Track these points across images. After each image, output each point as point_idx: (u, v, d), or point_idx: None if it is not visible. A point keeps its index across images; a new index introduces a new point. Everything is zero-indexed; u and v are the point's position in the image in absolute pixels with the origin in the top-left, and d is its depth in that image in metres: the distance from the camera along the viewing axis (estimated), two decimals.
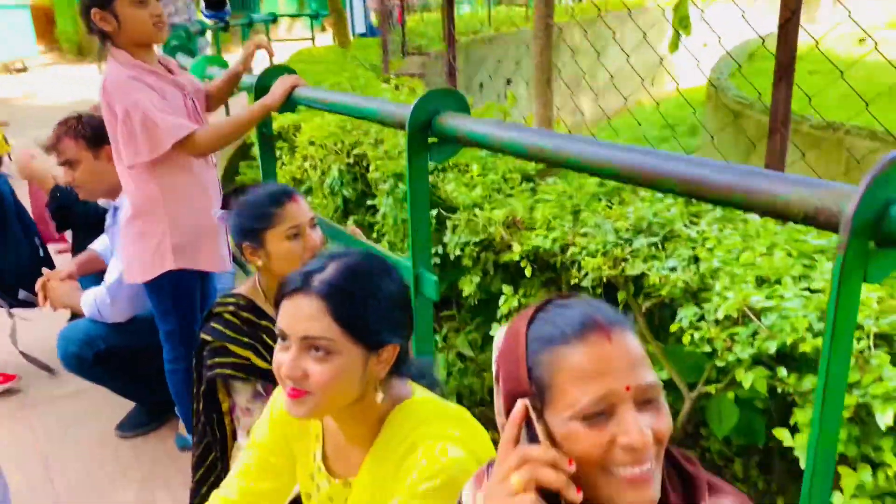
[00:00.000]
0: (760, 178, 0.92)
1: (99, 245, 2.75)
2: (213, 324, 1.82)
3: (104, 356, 2.43)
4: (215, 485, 1.87)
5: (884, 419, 1.28)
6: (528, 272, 2.05)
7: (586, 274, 1.86)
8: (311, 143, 3.40)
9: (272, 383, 1.79)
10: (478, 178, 2.41)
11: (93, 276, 2.69)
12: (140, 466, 2.50)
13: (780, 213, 0.90)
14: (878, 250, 0.83)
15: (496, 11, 13.56)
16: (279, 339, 1.14)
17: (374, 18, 12.10)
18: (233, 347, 1.77)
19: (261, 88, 2.21)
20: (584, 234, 1.94)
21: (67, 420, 2.78)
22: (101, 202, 2.99)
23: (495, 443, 1.01)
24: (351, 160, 3.13)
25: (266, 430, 1.35)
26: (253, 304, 1.84)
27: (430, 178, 2.51)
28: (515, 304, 2.15)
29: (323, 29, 14.48)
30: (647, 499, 0.81)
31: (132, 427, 2.67)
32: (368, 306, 1.12)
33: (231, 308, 1.82)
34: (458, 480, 1.08)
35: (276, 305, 1.15)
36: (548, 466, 0.79)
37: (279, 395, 1.36)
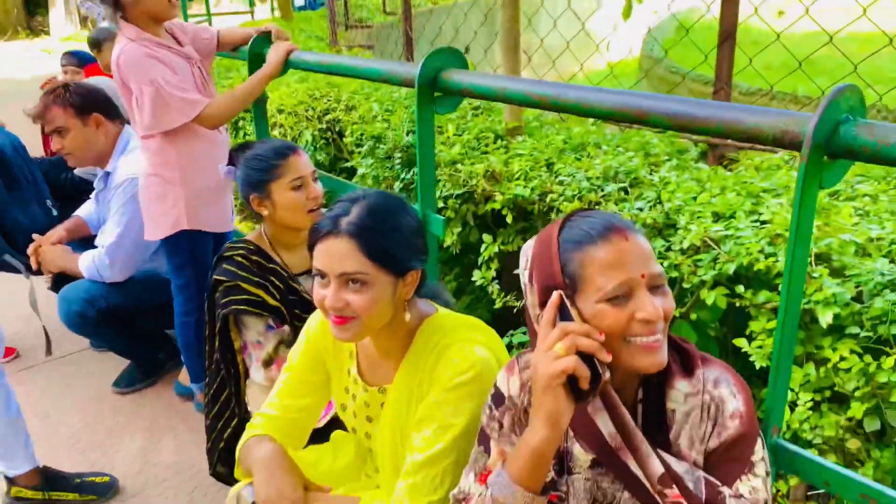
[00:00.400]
0: (737, 111, 1.14)
1: (83, 211, 2.82)
2: (225, 265, 1.96)
3: (106, 314, 2.52)
4: (231, 419, 2.04)
5: (825, 319, 1.54)
6: (509, 219, 2.25)
7: None
8: (280, 111, 3.51)
9: (280, 319, 1.96)
10: (455, 138, 2.59)
11: (78, 240, 2.77)
12: (142, 417, 2.62)
13: (754, 138, 1.12)
14: (830, 162, 1.06)
15: None
16: (317, 278, 1.30)
17: None
18: (245, 286, 1.92)
19: (254, 55, 2.32)
20: (560, 183, 2.16)
21: (64, 381, 2.86)
22: (82, 171, 3.06)
23: None
24: (323, 125, 3.26)
25: (302, 351, 1.52)
26: (260, 249, 1.98)
27: (411, 139, 2.69)
28: (496, 250, 2.36)
29: (252, 4, 14.26)
30: (658, 362, 1.02)
31: (129, 383, 2.78)
32: (392, 239, 1.29)
33: (241, 252, 1.97)
34: (485, 375, 1.29)
35: (311, 249, 1.31)
36: (583, 336, 1.00)
37: (313, 322, 1.53)
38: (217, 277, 1.95)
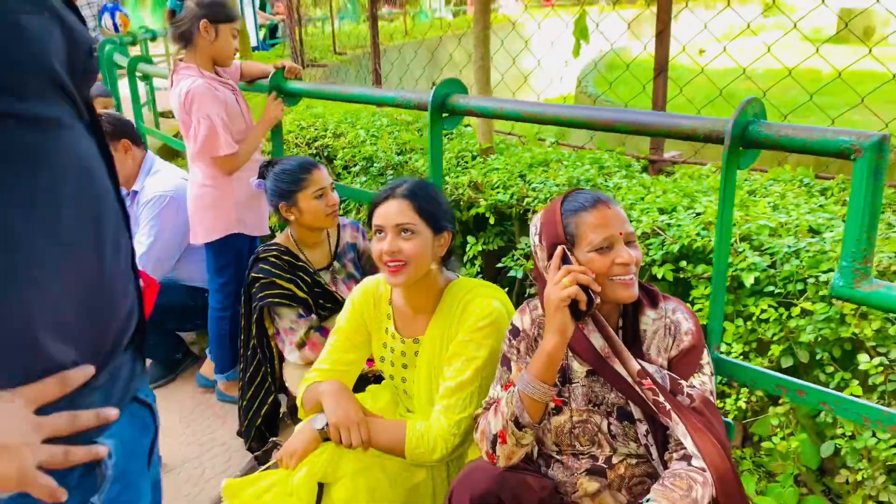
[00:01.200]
0: (679, 118, 1.60)
1: None
2: (261, 265, 2.33)
3: None
4: (266, 396, 2.39)
5: (748, 282, 2.01)
6: (491, 221, 2.69)
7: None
8: (268, 140, 3.89)
9: (307, 309, 2.33)
10: (446, 156, 3.02)
11: None
12: (169, 409, 2.90)
13: (691, 136, 1.58)
14: (744, 150, 1.52)
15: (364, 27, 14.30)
16: (376, 234, 1.71)
17: (261, 33, 12.44)
18: (279, 281, 2.30)
19: (274, 87, 2.72)
20: (533, 189, 2.61)
21: None
22: None
23: None
24: (312, 150, 3.65)
25: (348, 317, 1.90)
26: (289, 250, 2.37)
27: (403, 157, 3.11)
28: (479, 249, 2.79)
29: None
30: (632, 294, 1.45)
31: (152, 381, 3.07)
32: (433, 203, 1.72)
33: (274, 252, 2.35)
34: (499, 320, 1.71)
35: (371, 211, 1.73)
36: (581, 273, 1.42)
37: (357, 293, 1.92)
38: (254, 275, 2.32)
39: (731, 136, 1.48)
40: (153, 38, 7.58)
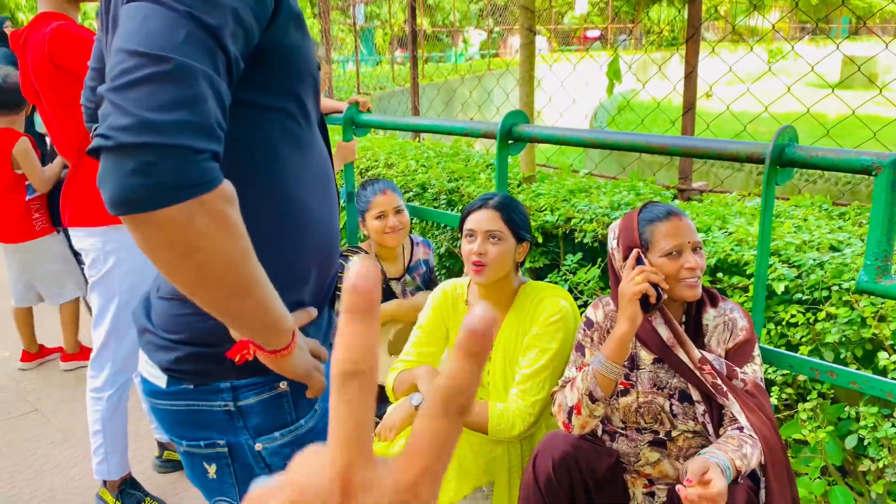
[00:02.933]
0: (724, 143, 1.89)
1: None
2: (341, 261, 2.63)
3: None
4: None
5: (779, 290, 2.28)
6: (539, 240, 2.97)
7: (584, 235, 2.80)
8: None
9: None
10: (489, 182, 3.32)
11: None
12: None
13: (735, 157, 1.87)
14: (781, 169, 1.81)
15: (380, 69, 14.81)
16: (466, 237, 1.99)
17: None
18: None
19: (348, 120, 3.04)
20: (579, 211, 2.89)
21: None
22: None
23: None
24: (364, 178, 3.95)
25: (429, 315, 2.17)
26: (367, 255, 2.67)
27: (454, 185, 3.41)
28: (527, 265, 3.06)
29: None
30: (696, 294, 1.71)
31: None
32: (517, 215, 2.01)
33: (356, 252, 2.66)
34: (567, 317, 1.98)
35: (464, 217, 2.01)
36: (652, 273, 1.69)
37: (437, 293, 2.19)
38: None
39: (770, 157, 1.77)
40: None
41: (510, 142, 2.39)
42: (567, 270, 2.87)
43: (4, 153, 3.43)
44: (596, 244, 2.81)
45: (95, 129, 0.78)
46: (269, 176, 1.03)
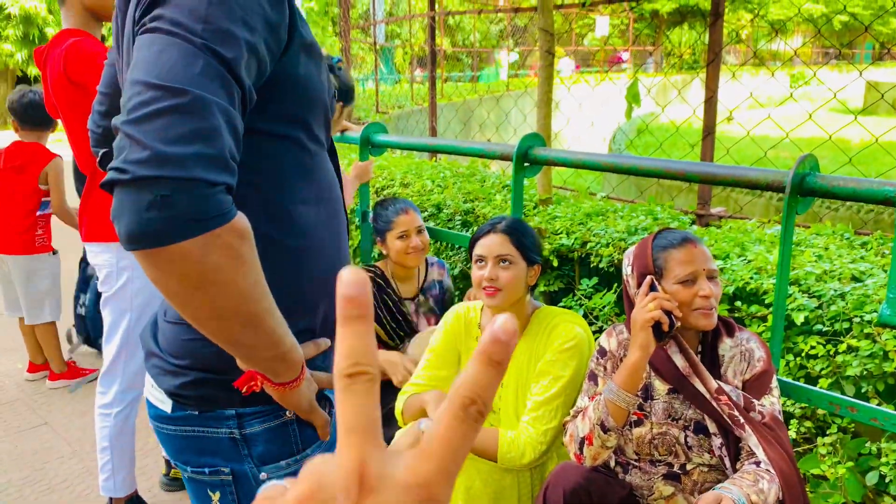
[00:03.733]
0: (744, 170, 1.86)
1: None
2: None
3: None
4: None
5: (799, 320, 2.23)
6: (554, 263, 2.94)
7: (601, 259, 2.77)
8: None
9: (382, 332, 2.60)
10: (504, 204, 3.30)
11: None
12: None
13: (754, 185, 1.83)
14: (800, 198, 1.78)
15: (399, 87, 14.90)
16: (476, 262, 1.97)
17: None
18: None
19: (364, 140, 3.04)
20: (595, 235, 2.86)
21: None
22: None
23: None
24: (380, 197, 3.95)
25: (441, 338, 2.15)
26: (382, 274, 2.67)
27: (469, 206, 3.39)
28: (541, 289, 3.03)
29: None
30: (710, 323, 1.68)
31: None
32: (528, 238, 1.99)
33: (370, 274, 2.63)
34: (581, 343, 1.94)
35: (473, 243, 1.99)
36: (665, 300, 1.66)
37: (450, 316, 2.16)
38: None
39: (790, 186, 1.74)
40: None
41: (526, 164, 2.37)
42: (582, 295, 2.84)
43: (31, 167, 3.53)
44: (612, 269, 2.77)
45: (109, 163, 0.78)
46: (278, 204, 1.02)
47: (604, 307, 2.74)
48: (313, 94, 1.04)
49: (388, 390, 2.53)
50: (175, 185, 0.75)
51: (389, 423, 2.26)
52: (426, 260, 2.78)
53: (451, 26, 24.39)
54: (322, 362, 1.14)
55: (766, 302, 2.36)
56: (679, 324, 1.66)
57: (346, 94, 2.92)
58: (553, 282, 3.05)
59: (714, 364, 1.74)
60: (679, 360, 1.71)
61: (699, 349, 1.75)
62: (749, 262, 2.54)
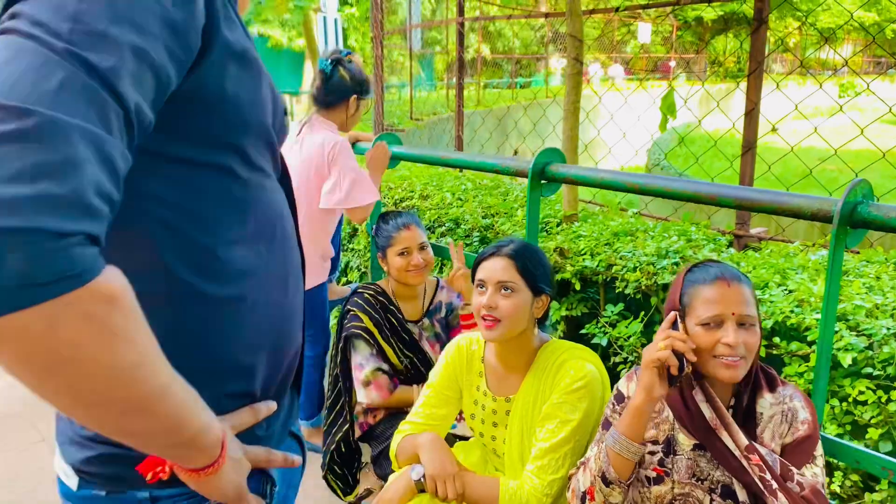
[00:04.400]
0: (786, 196, 1.63)
1: None
2: (356, 298, 2.49)
3: None
4: (343, 425, 2.46)
5: (846, 361, 1.98)
6: (577, 286, 2.72)
7: (626, 284, 2.54)
8: None
9: (382, 354, 2.41)
10: (525, 220, 3.09)
11: None
12: None
13: (797, 214, 1.60)
14: (851, 230, 1.54)
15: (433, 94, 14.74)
16: (477, 288, 1.78)
17: None
18: (365, 318, 2.40)
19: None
20: (622, 258, 2.64)
21: None
22: None
23: None
24: (398, 209, 3.77)
25: (441, 373, 1.95)
26: (385, 293, 2.51)
27: (489, 221, 3.19)
28: (562, 314, 2.81)
29: None
30: (733, 376, 1.44)
31: None
32: (535, 265, 1.78)
33: (371, 291, 2.50)
34: (593, 384, 1.73)
35: (476, 266, 1.80)
36: (680, 341, 1.44)
37: (451, 349, 1.97)
38: (348, 307, 2.46)
39: (839, 216, 1.50)
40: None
41: (543, 182, 2.16)
42: (606, 322, 2.62)
43: None
44: (639, 295, 2.55)
45: None
46: (201, 247, 0.84)
47: (629, 337, 2.52)
48: (247, 113, 0.86)
49: (394, 420, 2.34)
50: (6, 239, 0.56)
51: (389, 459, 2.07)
52: (437, 281, 2.59)
53: (491, 32, 24.20)
54: (264, 431, 0.96)
55: (809, 339, 2.12)
56: (689, 370, 1.44)
57: (360, 86, 2.79)
58: (576, 305, 2.83)
59: (749, 422, 1.50)
60: (707, 411, 1.49)
61: (732, 403, 1.52)
62: (790, 292, 2.29)
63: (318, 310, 2.87)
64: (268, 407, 0.94)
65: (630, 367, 2.53)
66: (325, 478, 2.49)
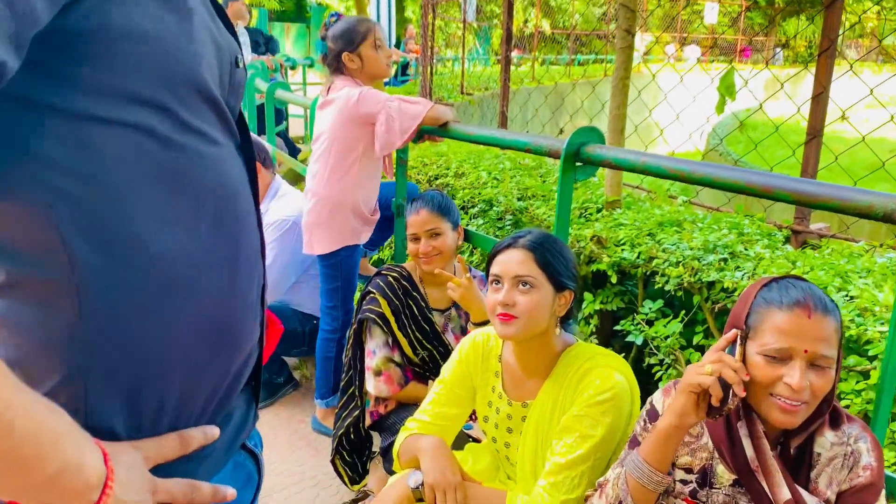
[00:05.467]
0: (852, 192, 1.40)
1: None
2: (378, 279, 2.34)
3: None
4: (353, 409, 2.34)
5: None
6: (613, 279, 2.51)
7: (668, 279, 2.33)
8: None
9: (396, 344, 2.27)
10: None
11: None
12: (262, 435, 2.85)
13: (865, 214, 1.37)
14: None
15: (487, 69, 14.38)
16: (492, 283, 1.60)
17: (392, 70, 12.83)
18: (383, 302, 2.25)
19: None
20: (664, 250, 2.42)
21: None
22: None
23: None
24: (433, 188, 3.60)
25: (454, 369, 1.79)
26: (410, 277, 2.35)
27: (523, 204, 3.00)
28: (596, 307, 2.61)
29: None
30: (792, 423, 1.22)
31: None
32: (557, 258, 1.59)
33: (395, 275, 2.35)
34: (620, 396, 1.54)
35: (491, 259, 1.62)
36: (731, 369, 1.23)
37: (466, 344, 1.80)
38: (369, 288, 2.33)
39: None
40: (293, 67, 8.11)
41: (578, 164, 1.96)
42: (643, 319, 2.41)
43: None
44: (680, 293, 2.33)
45: None
46: (113, 224, 0.68)
47: (667, 337, 2.31)
48: (173, 62, 0.69)
49: (405, 412, 2.19)
50: None
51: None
52: (470, 269, 2.42)
53: (552, 7, 23.60)
54: (201, 450, 0.79)
55: (871, 353, 1.88)
56: (733, 404, 1.22)
57: (345, 42, 2.60)
58: (612, 299, 2.63)
59: (802, 463, 1.28)
60: (748, 449, 1.28)
61: (781, 438, 1.31)
62: (851, 298, 2.05)
63: (342, 277, 2.70)
64: (204, 434, 0.78)
65: (665, 371, 2.33)
66: (332, 461, 2.37)
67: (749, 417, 1.29)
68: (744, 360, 1.26)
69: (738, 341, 1.27)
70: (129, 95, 0.67)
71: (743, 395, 1.22)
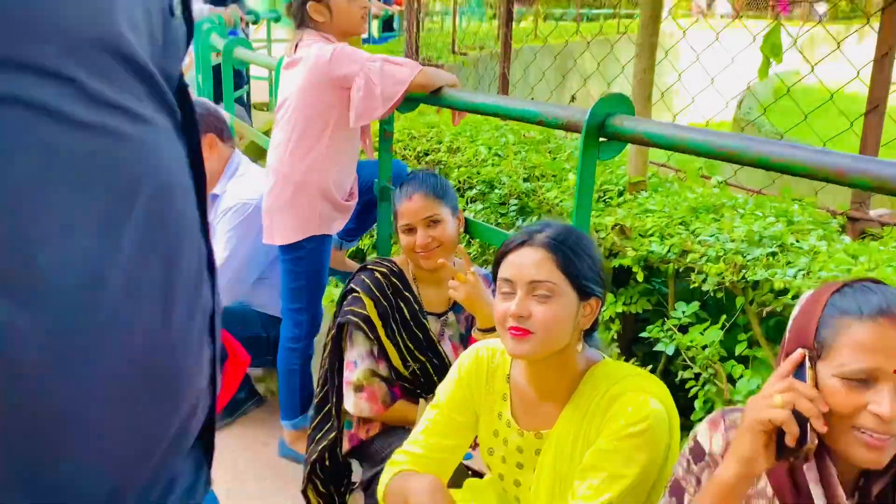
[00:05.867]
0: None
1: None
2: (363, 275, 2.22)
3: None
4: (329, 431, 2.23)
5: None
6: (639, 277, 2.41)
7: (705, 278, 2.22)
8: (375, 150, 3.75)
9: (383, 353, 2.17)
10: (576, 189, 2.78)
11: None
12: (222, 462, 2.72)
13: None
14: None
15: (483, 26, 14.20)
16: (500, 291, 1.49)
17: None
18: (369, 303, 2.13)
19: None
20: (701, 243, 2.31)
21: None
22: None
23: None
24: (422, 165, 3.48)
25: (452, 390, 1.68)
26: (401, 273, 2.25)
27: (530, 185, 2.88)
28: (618, 310, 2.51)
29: None
30: (879, 461, 1.12)
31: None
32: (583, 259, 1.49)
33: (384, 269, 2.23)
34: (657, 427, 1.43)
35: (499, 259, 1.51)
36: (807, 399, 1.12)
37: (466, 360, 1.69)
38: (351, 285, 2.22)
39: None
40: (255, 21, 7.93)
41: (603, 140, 1.84)
42: (674, 325, 2.31)
43: None
44: (720, 294, 2.23)
45: None
46: None
47: (704, 347, 2.21)
48: (69, 15, 0.57)
49: (393, 437, 2.09)
50: None
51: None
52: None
53: None
54: None
55: None
56: (814, 444, 1.12)
57: None
58: (636, 300, 2.53)
59: None
60: (819, 499, 1.18)
61: (860, 482, 1.21)
62: None
63: (307, 273, 2.57)
64: None
65: (702, 387, 2.23)
66: (304, 492, 2.27)
67: (819, 457, 1.19)
68: (815, 385, 1.15)
69: (808, 363, 1.16)
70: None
71: (825, 430, 1.12)
